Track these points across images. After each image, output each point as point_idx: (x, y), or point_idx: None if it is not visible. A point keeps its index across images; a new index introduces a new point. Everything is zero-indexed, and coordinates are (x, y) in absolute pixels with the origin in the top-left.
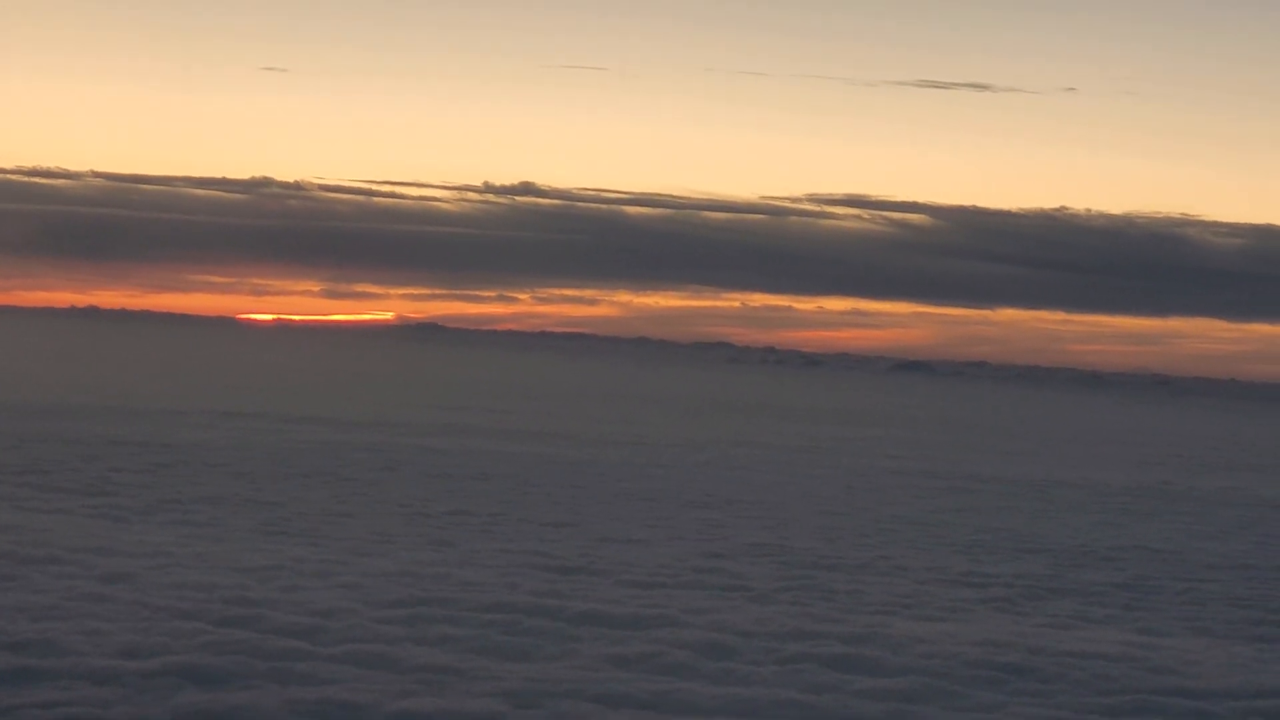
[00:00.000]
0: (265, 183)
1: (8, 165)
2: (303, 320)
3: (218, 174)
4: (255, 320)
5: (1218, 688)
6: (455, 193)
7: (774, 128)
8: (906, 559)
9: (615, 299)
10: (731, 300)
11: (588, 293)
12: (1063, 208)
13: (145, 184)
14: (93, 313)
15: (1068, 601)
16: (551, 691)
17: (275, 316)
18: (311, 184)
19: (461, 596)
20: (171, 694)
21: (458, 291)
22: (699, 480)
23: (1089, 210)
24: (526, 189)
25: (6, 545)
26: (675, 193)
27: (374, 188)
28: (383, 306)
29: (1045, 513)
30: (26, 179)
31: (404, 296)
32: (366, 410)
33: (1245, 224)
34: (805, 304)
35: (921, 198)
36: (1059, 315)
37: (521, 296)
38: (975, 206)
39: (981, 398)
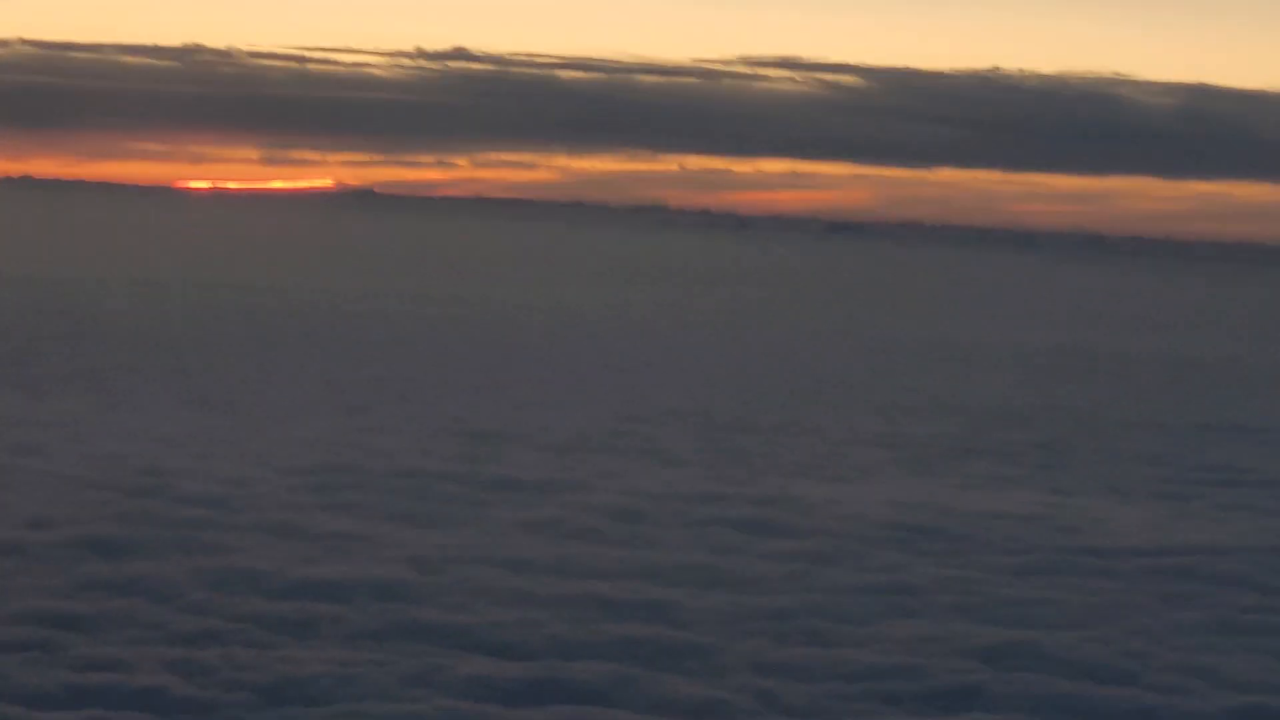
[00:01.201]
0: (196, 49)
1: None
2: (241, 189)
3: (148, 41)
4: (193, 189)
5: (1125, 546)
6: (388, 59)
7: None
8: (823, 421)
9: (553, 163)
10: (669, 164)
11: (525, 157)
12: (995, 68)
13: (75, 51)
14: (26, 182)
15: (982, 462)
16: (458, 557)
17: (213, 185)
18: (242, 51)
19: (373, 463)
20: (75, 565)
21: (396, 158)
22: (620, 345)
23: (1022, 71)
24: (459, 54)
25: None
26: (608, 56)
27: (306, 54)
28: (321, 174)
29: (965, 374)
30: None
31: (343, 163)
32: (292, 278)
33: (1179, 83)
34: (742, 166)
35: (853, 59)
36: (996, 175)
37: (460, 162)
38: (907, 68)
39: (915, 259)
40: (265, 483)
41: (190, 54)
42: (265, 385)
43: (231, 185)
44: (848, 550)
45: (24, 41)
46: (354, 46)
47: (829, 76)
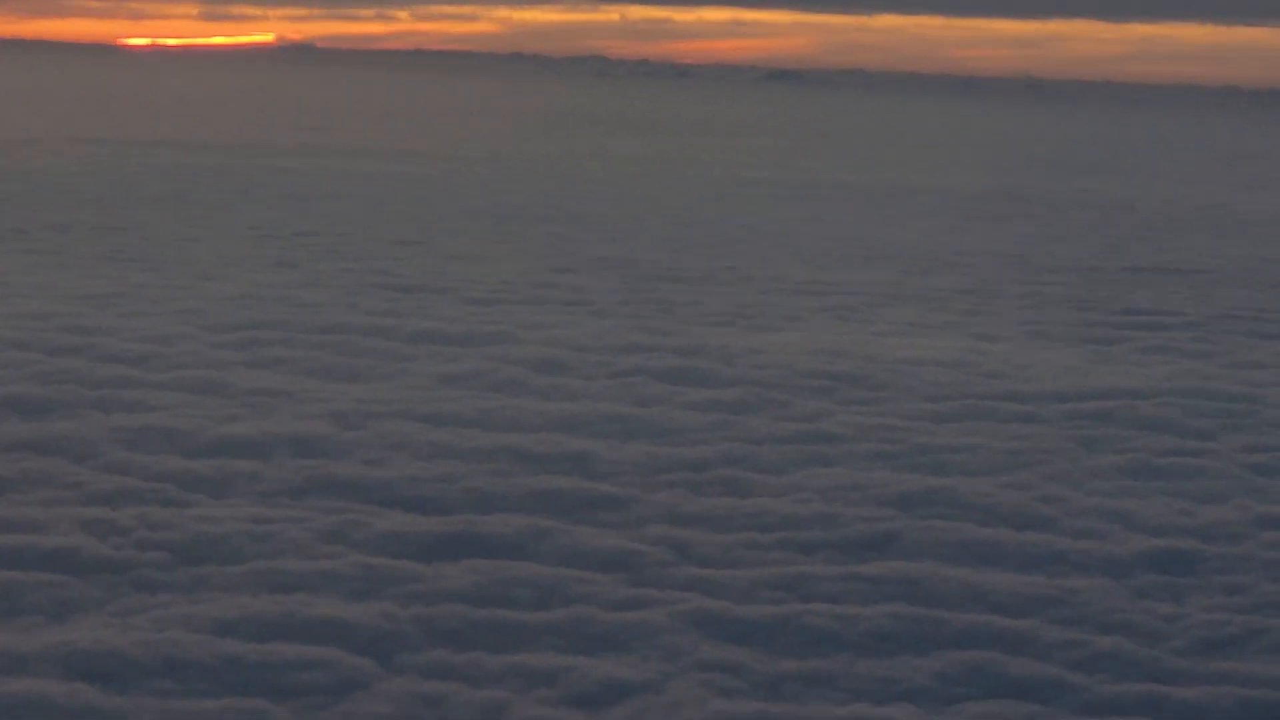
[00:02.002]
0: None
1: None
2: (181, 45)
3: None
4: (133, 46)
5: (1047, 390)
6: None
7: None
8: (751, 269)
9: (494, 15)
10: (610, 13)
11: (466, 9)
12: None
13: None
14: None
15: (908, 308)
16: (379, 412)
17: (153, 41)
18: None
19: (299, 319)
20: None
21: (336, 11)
22: (551, 195)
23: None
24: None
25: None
26: None
27: None
28: (262, 29)
29: (896, 219)
30: None
31: (283, 18)
32: (226, 134)
33: None
34: (684, 15)
35: None
36: (938, 20)
37: (400, 14)
38: None
39: (852, 106)
40: (190, 340)
41: None
42: (195, 242)
43: (172, 42)
44: (769, 399)
45: None
46: None
47: None
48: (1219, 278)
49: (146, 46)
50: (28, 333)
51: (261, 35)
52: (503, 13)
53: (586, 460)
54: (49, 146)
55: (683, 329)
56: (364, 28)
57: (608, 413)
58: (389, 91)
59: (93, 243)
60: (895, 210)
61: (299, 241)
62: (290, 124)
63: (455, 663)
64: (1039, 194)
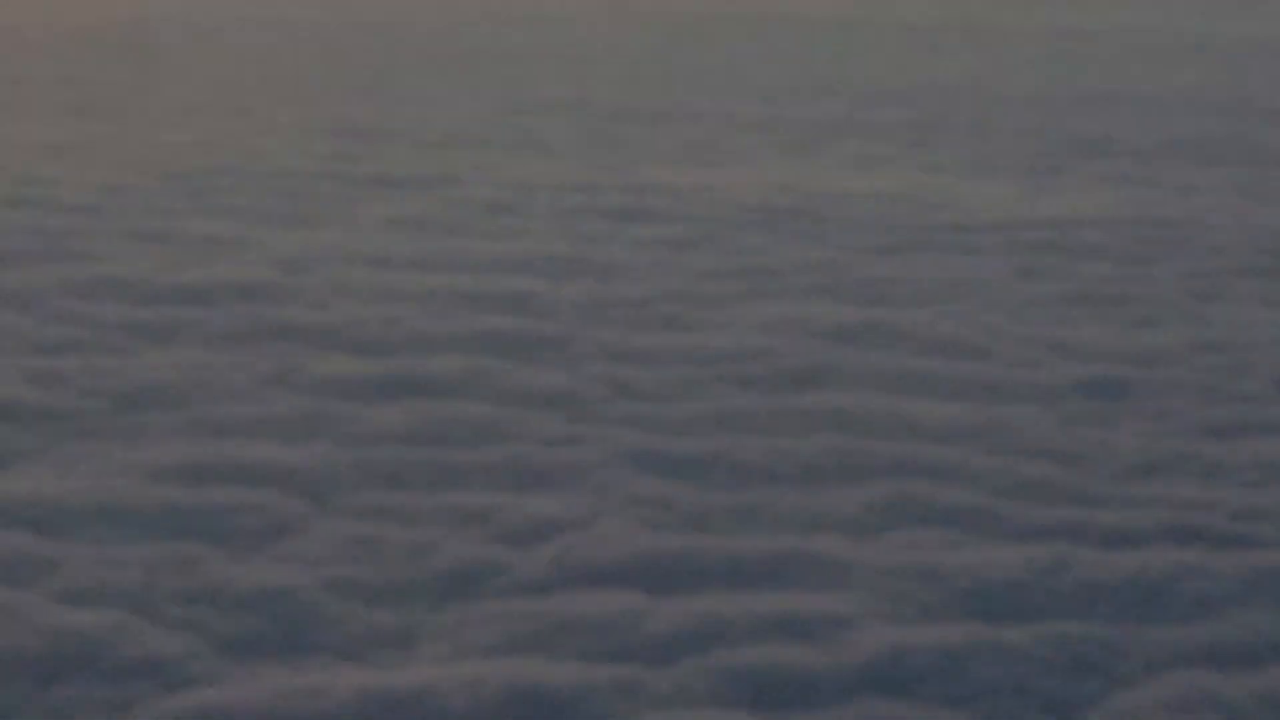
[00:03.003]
0: None
1: None
2: None
3: None
4: None
5: (989, 221)
6: None
7: None
8: (704, 107)
9: None
10: None
11: None
12: None
13: None
14: None
15: (856, 142)
16: (325, 256)
17: None
18: None
19: (252, 165)
20: None
21: None
22: (508, 38)
23: None
24: None
25: None
26: None
27: None
28: None
29: (849, 53)
30: None
31: None
32: None
33: None
34: None
35: None
36: None
37: None
38: None
39: None
40: (142, 189)
41: None
42: (151, 93)
43: None
44: (713, 234)
45: None
46: None
47: None
48: (1168, 105)
49: None
50: None
51: None
52: None
53: (529, 299)
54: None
55: (631, 167)
56: None
57: (552, 252)
58: None
59: (50, 94)
60: (849, 44)
61: (256, 89)
62: None
63: (389, 503)
64: (994, 25)
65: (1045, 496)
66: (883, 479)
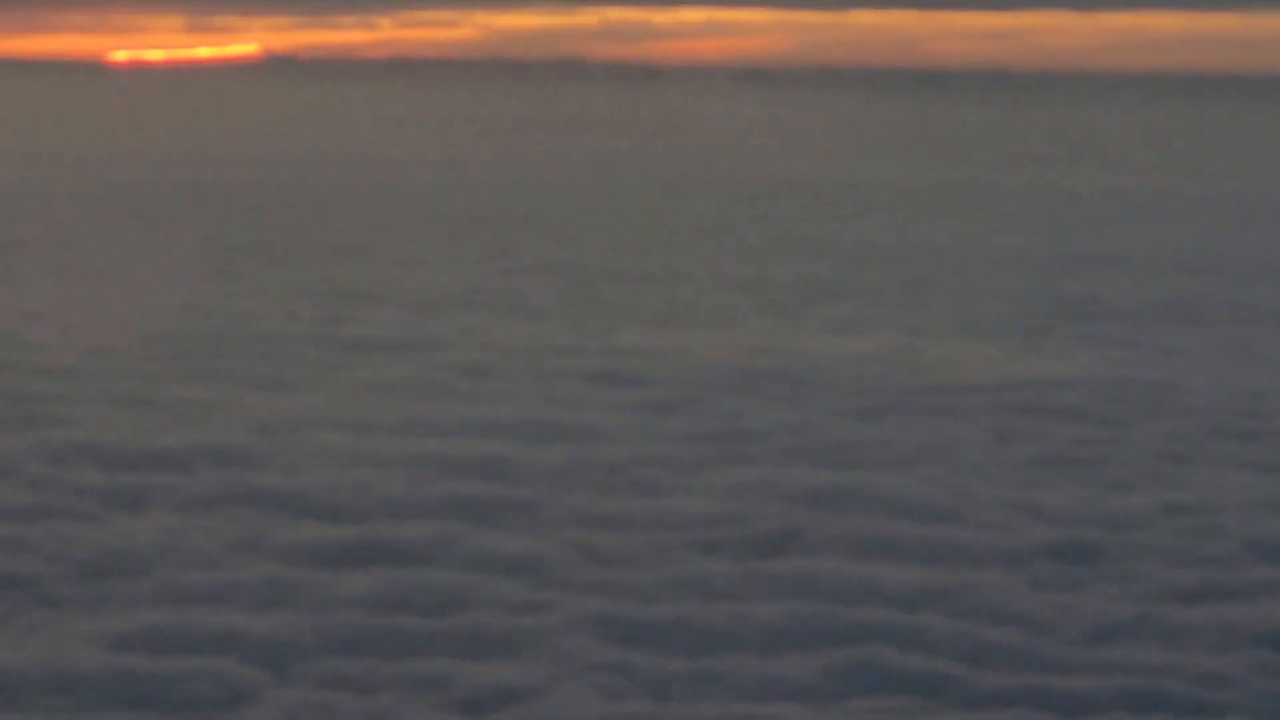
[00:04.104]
0: None
1: None
2: (168, 59)
3: None
4: (121, 62)
5: (968, 383)
6: None
7: None
8: (690, 267)
9: (474, 20)
10: (588, 16)
11: (447, 15)
12: None
13: None
14: None
15: (842, 304)
16: (303, 421)
17: (140, 56)
18: None
19: (235, 329)
20: None
21: (320, 20)
22: (502, 199)
23: None
24: None
25: None
26: None
27: None
28: (246, 39)
29: (842, 215)
30: None
31: (266, 28)
32: (191, 146)
33: None
34: (662, 16)
35: None
36: (912, 14)
37: (382, 22)
38: None
39: (819, 103)
40: (124, 352)
41: None
42: (140, 253)
43: (158, 56)
44: (690, 398)
45: None
46: None
47: None
48: (1155, 266)
49: (134, 62)
50: None
51: (245, 46)
52: (483, 18)
53: (503, 464)
54: (14, 162)
55: (613, 330)
56: (346, 36)
57: (529, 416)
58: (364, 101)
59: (41, 257)
60: (843, 206)
61: (247, 251)
62: (258, 135)
63: (348, 671)
64: (989, 186)
65: (1007, 662)
66: (845, 645)
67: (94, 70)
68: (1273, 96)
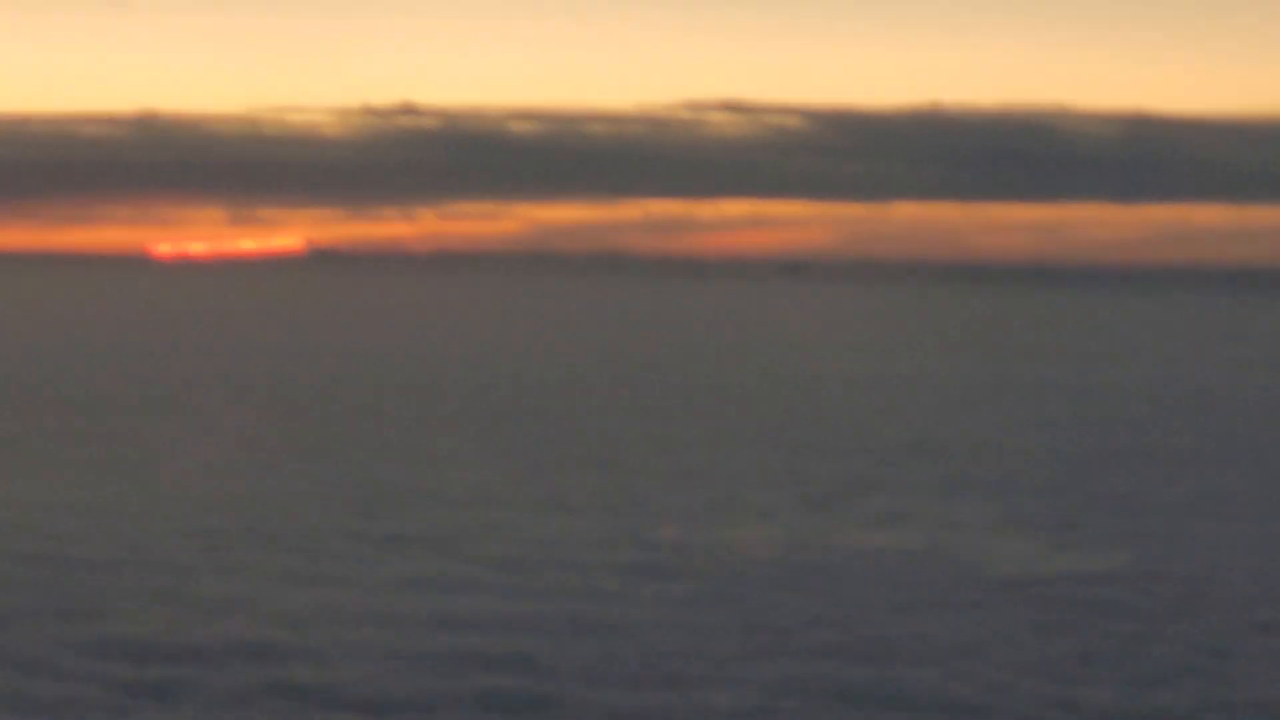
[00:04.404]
0: (150, 116)
1: None
2: (211, 253)
3: (102, 109)
4: (164, 257)
5: (1005, 577)
6: (337, 116)
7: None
8: (729, 462)
9: (517, 213)
10: (632, 209)
11: (488, 208)
12: (935, 103)
13: (32, 123)
14: None
15: (880, 498)
16: (335, 616)
17: (182, 250)
18: (194, 115)
19: (272, 524)
20: None
21: (361, 212)
22: (542, 397)
23: (962, 105)
24: (406, 109)
25: None
26: (553, 106)
27: (256, 115)
28: (289, 232)
29: (879, 409)
30: None
31: (309, 221)
32: (229, 340)
33: (1119, 111)
34: (705, 209)
35: (794, 100)
36: (954, 208)
37: (425, 214)
38: (848, 107)
39: (860, 296)
40: (161, 547)
41: (145, 121)
42: (182, 447)
43: (201, 249)
44: (725, 592)
45: None
46: (302, 105)
47: (773, 118)
48: (1191, 459)
49: (178, 256)
50: (2, 542)
51: (289, 239)
52: (525, 210)
53: (534, 659)
54: (59, 358)
55: (650, 524)
56: (389, 229)
57: (562, 610)
58: (406, 294)
59: (85, 450)
60: (882, 400)
61: (286, 445)
62: (299, 329)
63: None
64: (1027, 380)
65: None
66: None
67: (137, 263)
68: None
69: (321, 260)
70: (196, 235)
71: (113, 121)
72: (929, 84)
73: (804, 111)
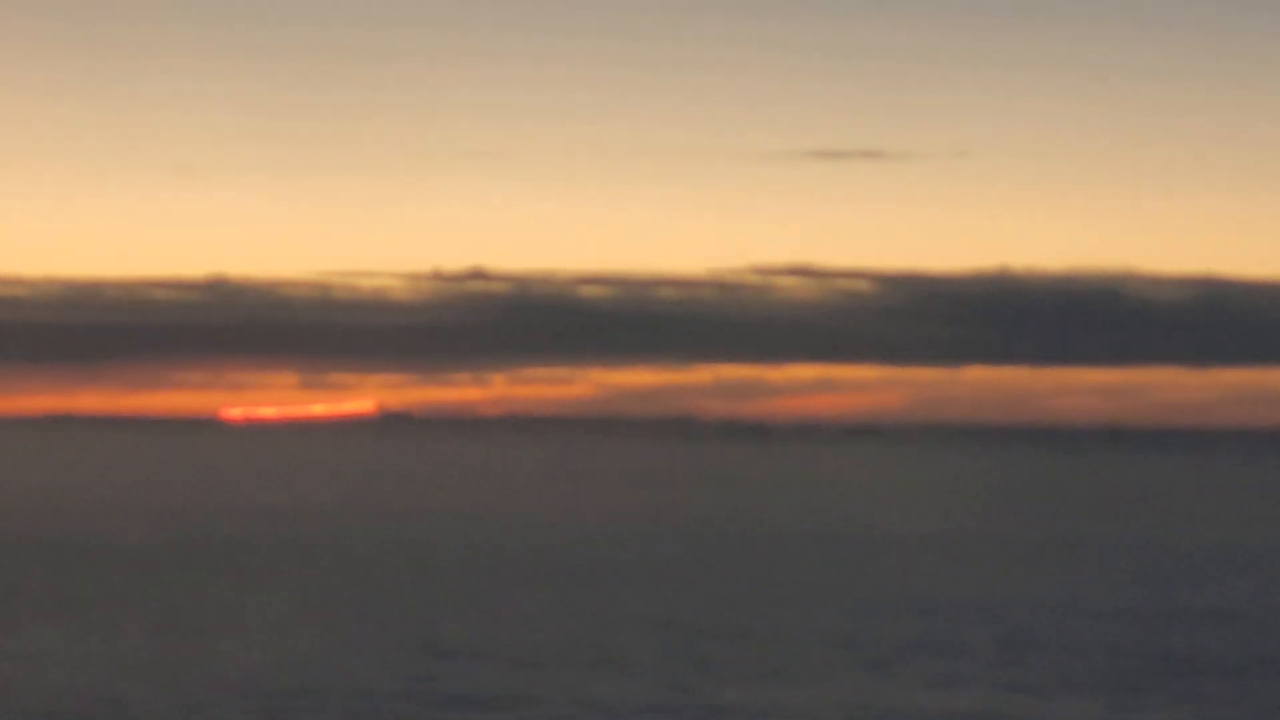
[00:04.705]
0: (220, 280)
1: None
2: (283, 416)
3: (173, 274)
4: (236, 419)
5: None
6: (407, 281)
7: (699, 204)
8: (789, 623)
9: (589, 377)
10: (702, 374)
11: (560, 372)
12: (1003, 268)
13: (104, 287)
14: (68, 420)
15: (940, 660)
16: None
17: (254, 413)
18: (264, 280)
19: (331, 684)
20: None
21: (432, 376)
22: (604, 554)
23: (1030, 269)
24: (476, 274)
25: None
26: (622, 271)
27: (326, 279)
28: (360, 396)
29: (942, 569)
30: None
31: (380, 385)
32: (296, 501)
33: (1189, 275)
34: (775, 373)
35: (860, 264)
36: (1025, 372)
37: (496, 378)
38: (916, 271)
39: (929, 459)
40: (219, 708)
41: (216, 285)
42: (241, 607)
43: (272, 412)
44: None
45: (51, 280)
46: (371, 269)
47: (841, 282)
48: (1260, 621)
49: (250, 419)
50: (59, 704)
51: (360, 403)
52: (597, 375)
53: None
54: (115, 519)
55: (709, 687)
56: (461, 393)
57: None
58: (477, 457)
59: (146, 610)
60: (945, 560)
61: (349, 605)
62: (368, 491)
63: None
64: (1094, 540)
65: None
66: None
67: (208, 425)
68: None
69: (392, 423)
70: (268, 399)
71: (184, 286)
72: (996, 248)
73: (872, 275)
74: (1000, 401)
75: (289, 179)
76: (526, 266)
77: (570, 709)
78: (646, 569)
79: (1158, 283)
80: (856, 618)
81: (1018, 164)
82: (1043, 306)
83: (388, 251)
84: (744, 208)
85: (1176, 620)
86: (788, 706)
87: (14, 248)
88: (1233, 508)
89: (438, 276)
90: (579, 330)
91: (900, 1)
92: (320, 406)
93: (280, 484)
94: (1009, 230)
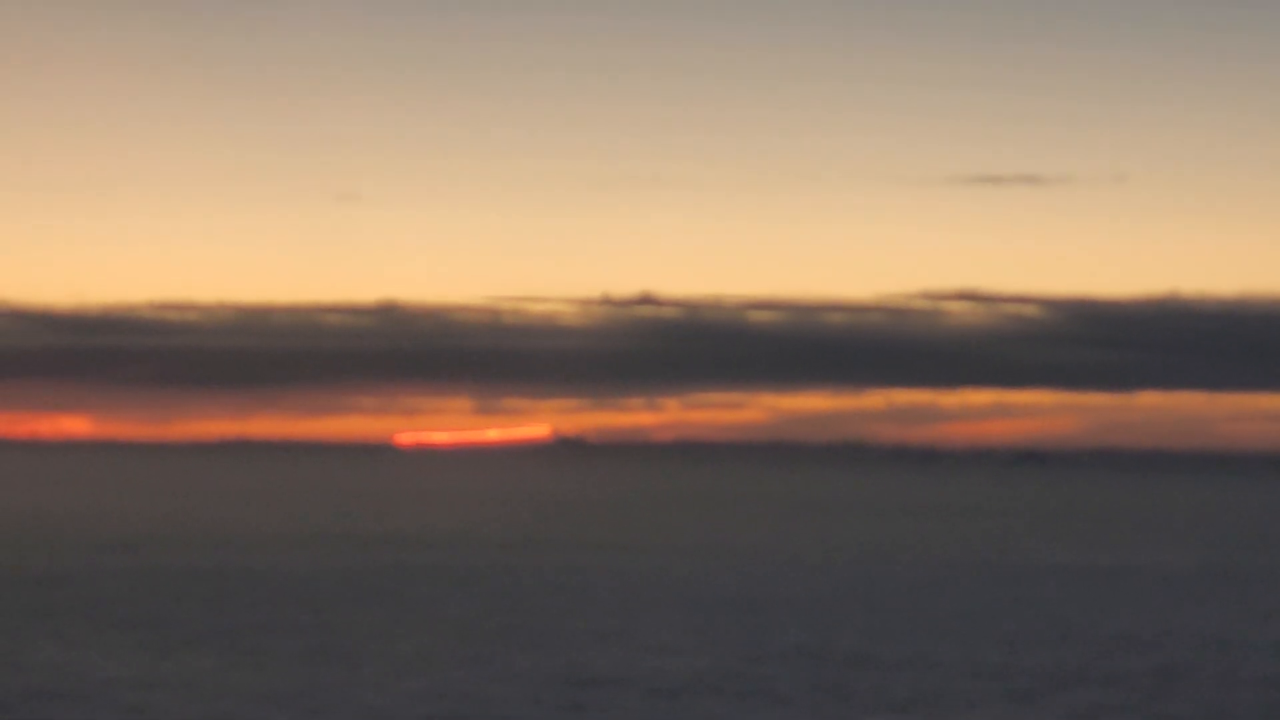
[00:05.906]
0: (390, 305)
1: (139, 300)
2: (458, 441)
3: (343, 299)
4: (412, 445)
5: None
6: (577, 306)
7: (865, 228)
8: (942, 654)
9: (760, 403)
10: (875, 399)
11: (732, 397)
12: (1173, 292)
13: (275, 312)
14: (242, 444)
15: (1089, 692)
16: None
17: (429, 438)
18: (434, 304)
19: (475, 715)
20: None
21: (606, 402)
22: (763, 582)
23: (1201, 293)
24: (645, 299)
25: (41, 682)
26: (791, 296)
27: (496, 304)
28: (534, 421)
29: (1101, 600)
30: (158, 314)
31: (555, 410)
32: (461, 528)
33: None
34: (948, 399)
35: (1029, 290)
36: (1201, 396)
37: (669, 404)
38: (1085, 296)
39: (1097, 486)
40: None
41: (386, 310)
42: (393, 637)
43: (447, 437)
44: None
45: (223, 305)
46: (541, 295)
47: (1010, 307)
48: None
49: (425, 445)
50: None
51: (535, 428)
52: (769, 400)
53: None
54: (278, 546)
55: (859, 716)
56: (634, 418)
57: None
58: (649, 483)
59: (293, 640)
60: (1104, 591)
61: (499, 635)
62: (535, 517)
63: None
64: (1260, 571)
65: None
66: None
67: (382, 451)
68: None
69: (567, 449)
70: (443, 424)
71: (355, 311)
72: (1163, 272)
73: (1040, 300)
74: (1174, 427)
75: (453, 204)
76: (695, 292)
77: None
78: (801, 597)
79: None
80: (1010, 648)
81: (1179, 187)
82: (1215, 331)
83: (557, 276)
84: (909, 232)
85: None
86: None
87: (187, 274)
88: None
89: (607, 301)
90: (749, 355)
91: (1057, 27)
92: (495, 432)
93: (452, 511)
94: (1175, 254)
